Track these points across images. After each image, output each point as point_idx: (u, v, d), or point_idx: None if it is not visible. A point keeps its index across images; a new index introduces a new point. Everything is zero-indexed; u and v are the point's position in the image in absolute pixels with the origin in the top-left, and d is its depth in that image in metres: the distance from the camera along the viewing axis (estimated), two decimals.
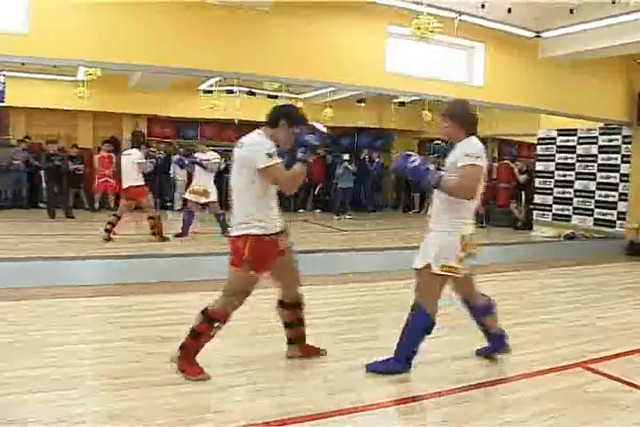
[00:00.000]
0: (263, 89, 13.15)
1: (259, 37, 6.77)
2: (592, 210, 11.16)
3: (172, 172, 13.75)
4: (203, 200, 9.14)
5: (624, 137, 10.80)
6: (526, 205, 12.63)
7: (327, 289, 6.40)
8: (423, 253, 3.73)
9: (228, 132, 16.12)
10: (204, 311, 3.58)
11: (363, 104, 15.02)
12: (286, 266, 3.79)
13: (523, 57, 8.91)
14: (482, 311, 4.08)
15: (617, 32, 7.95)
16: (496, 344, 4.14)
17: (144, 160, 8.66)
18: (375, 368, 3.81)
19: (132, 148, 8.78)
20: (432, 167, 3.65)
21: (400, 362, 3.80)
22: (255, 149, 3.50)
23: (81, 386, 3.43)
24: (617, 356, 4.39)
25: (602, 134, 11.05)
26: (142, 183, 8.59)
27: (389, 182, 16.90)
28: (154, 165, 8.92)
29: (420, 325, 3.74)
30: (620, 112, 10.44)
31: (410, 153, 3.73)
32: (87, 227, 9.99)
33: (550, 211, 11.82)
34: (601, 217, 11.06)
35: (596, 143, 11.15)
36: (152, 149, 8.73)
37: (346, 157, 14.17)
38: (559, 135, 11.73)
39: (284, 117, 3.63)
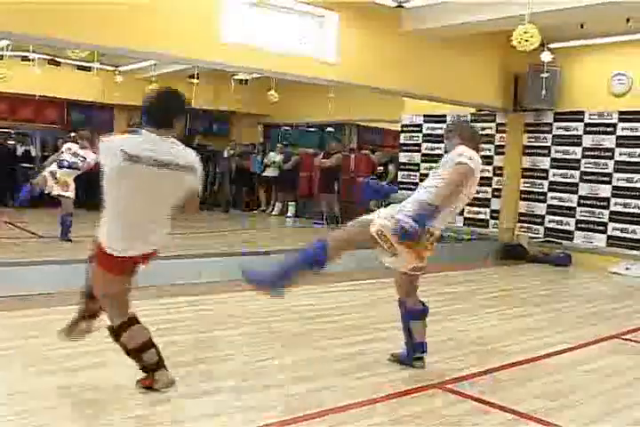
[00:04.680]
0: (69, 58, 12.72)
1: None
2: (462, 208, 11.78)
3: None
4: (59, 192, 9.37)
5: (498, 125, 11.52)
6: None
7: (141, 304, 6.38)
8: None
9: (25, 109, 15.50)
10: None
11: (195, 81, 14.95)
12: None
13: (383, 30, 9.16)
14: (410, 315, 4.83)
15: (490, 5, 8.40)
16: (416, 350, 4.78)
17: None
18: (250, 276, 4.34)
19: None
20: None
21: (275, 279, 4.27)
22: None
23: None
24: (479, 374, 4.71)
25: (473, 121, 11.60)
26: None
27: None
28: None
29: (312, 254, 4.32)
30: (495, 97, 11.12)
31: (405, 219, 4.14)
32: None
33: None
34: (472, 216, 11.73)
35: None
36: None
37: None
38: (426, 122, 12.29)
39: (178, 113, 3.94)
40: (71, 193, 9.48)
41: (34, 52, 12.47)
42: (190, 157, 3.85)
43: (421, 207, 4.18)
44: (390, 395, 4.17)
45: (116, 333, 3.87)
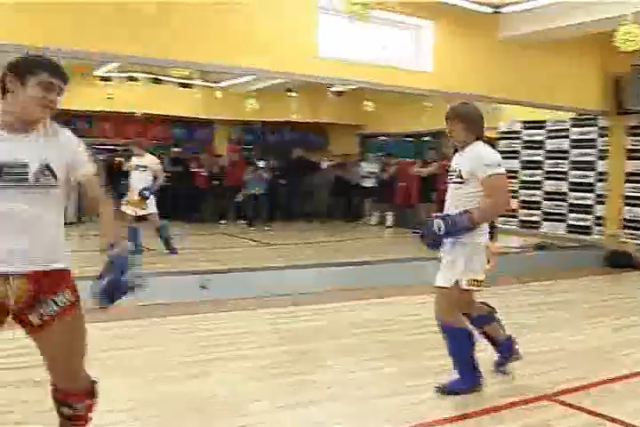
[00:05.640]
0: (172, 76, 13.08)
1: (164, 16, 6.67)
2: (565, 215, 11.47)
3: None
4: (140, 212, 9.20)
5: (600, 129, 11.12)
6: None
7: (249, 314, 6.46)
8: (447, 269, 4.20)
9: (129, 127, 15.95)
10: None
11: (294, 94, 15.11)
12: (45, 353, 2.83)
13: (479, 37, 9.04)
14: (480, 321, 4.54)
15: (590, 6, 8.15)
16: (504, 352, 4.63)
17: None
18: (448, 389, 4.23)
19: None
20: (453, 212, 4.13)
21: (465, 382, 4.23)
22: None
23: None
24: (591, 386, 4.52)
25: (574, 126, 11.36)
26: None
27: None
28: None
29: (457, 341, 4.20)
30: (595, 100, 10.71)
31: (432, 221, 4.18)
32: None
33: (516, 217, 12.07)
34: (575, 223, 11.39)
35: (567, 137, 11.46)
36: None
37: (261, 164, 14.76)
38: (525, 128, 12.04)
39: (7, 69, 2.68)
40: (149, 209, 9.35)
41: (143, 72, 12.85)
42: None
43: (462, 222, 4.05)
44: (497, 407, 4.05)
45: None
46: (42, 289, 2.66)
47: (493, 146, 4.43)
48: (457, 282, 4.13)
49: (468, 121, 4.24)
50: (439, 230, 4.09)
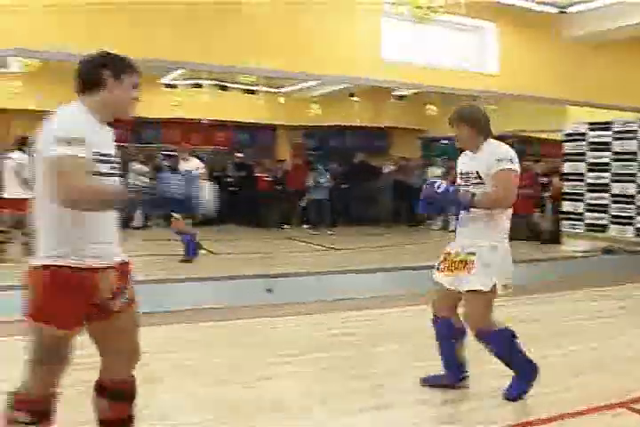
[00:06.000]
0: (237, 82, 13.21)
1: (230, 22, 6.80)
2: (633, 218, 11.22)
3: (131, 181, 13.74)
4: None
5: None
6: (553, 214, 12.68)
7: (315, 318, 6.48)
8: (482, 272, 3.94)
9: (195, 134, 16.16)
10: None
11: (357, 99, 15.09)
12: (112, 340, 2.87)
13: (544, 38, 8.98)
14: (460, 334, 4.26)
15: None
16: (451, 377, 4.33)
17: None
18: (513, 396, 4.09)
19: (15, 150, 8.78)
20: (462, 189, 4.00)
21: (523, 382, 4.11)
22: (49, 128, 2.56)
23: None
24: None
25: None
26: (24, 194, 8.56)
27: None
28: None
29: (503, 343, 4.05)
30: None
31: (434, 180, 4.11)
32: None
33: (582, 220, 11.86)
34: None
35: (635, 138, 11.22)
36: None
37: (324, 168, 14.75)
38: (590, 130, 11.80)
39: (105, 66, 2.70)
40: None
41: (208, 78, 13.00)
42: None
43: (462, 195, 3.92)
44: (565, 414, 3.93)
45: None
46: (122, 279, 2.78)
47: (511, 145, 4.23)
48: (494, 285, 3.95)
49: (476, 124, 4.08)
50: (437, 188, 3.94)
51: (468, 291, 3.98)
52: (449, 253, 4.18)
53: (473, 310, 4.05)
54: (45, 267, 2.60)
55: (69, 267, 2.59)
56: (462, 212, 4.06)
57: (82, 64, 2.76)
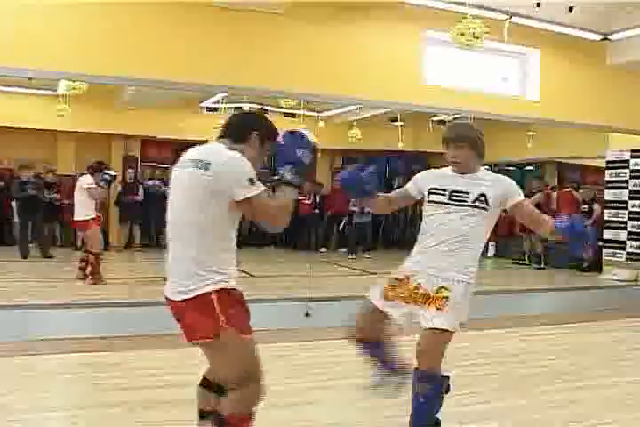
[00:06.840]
0: (278, 106, 13.25)
1: (272, 46, 6.85)
2: None
3: None
4: None
5: None
6: (594, 242, 12.47)
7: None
8: (453, 311, 3.50)
9: None
10: (220, 421, 2.97)
11: (400, 123, 15.05)
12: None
13: (587, 64, 8.93)
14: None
15: None
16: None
17: (93, 185, 8.71)
18: None
19: (85, 174, 8.95)
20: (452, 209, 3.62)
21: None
22: (233, 170, 2.84)
23: None
24: None
25: None
26: (92, 215, 8.72)
27: None
28: (107, 187, 9.06)
29: (441, 388, 3.55)
30: None
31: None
32: (67, 269, 10.02)
33: (624, 249, 11.66)
34: None
35: None
36: (108, 171, 8.67)
37: None
38: (633, 157, 11.63)
39: (256, 129, 3.09)
40: None
41: (249, 102, 13.07)
42: (211, 152, 2.98)
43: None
44: None
45: None
46: None
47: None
48: (460, 325, 3.52)
49: (476, 146, 3.68)
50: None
51: (431, 329, 3.48)
52: (404, 281, 3.65)
53: (431, 348, 3.52)
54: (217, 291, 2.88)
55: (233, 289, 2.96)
56: (446, 237, 3.60)
57: (236, 118, 3.28)
